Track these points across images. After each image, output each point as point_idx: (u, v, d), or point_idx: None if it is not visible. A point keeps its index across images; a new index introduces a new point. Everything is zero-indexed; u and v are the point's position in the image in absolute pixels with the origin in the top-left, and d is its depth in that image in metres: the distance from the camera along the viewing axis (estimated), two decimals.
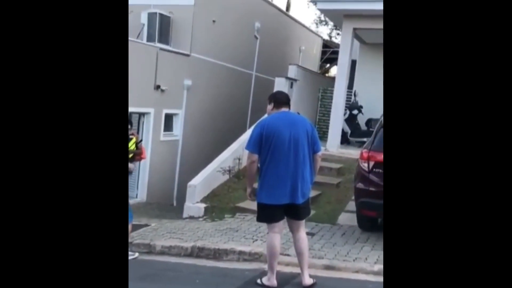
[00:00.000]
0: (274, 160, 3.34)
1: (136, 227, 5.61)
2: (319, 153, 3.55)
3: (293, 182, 3.35)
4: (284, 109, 3.52)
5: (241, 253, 4.41)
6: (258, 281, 3.69)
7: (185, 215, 6.27)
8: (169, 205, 9.11)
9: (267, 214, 3.46)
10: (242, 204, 6.28)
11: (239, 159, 7.43)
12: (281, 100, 3.55)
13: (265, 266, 4.16)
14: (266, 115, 3.78)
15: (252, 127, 3.76)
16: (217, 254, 4.48)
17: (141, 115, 8.81)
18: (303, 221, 3.61)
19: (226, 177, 7.06)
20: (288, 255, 4.34)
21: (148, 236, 5.10)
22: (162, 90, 8.91)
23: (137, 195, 8.87)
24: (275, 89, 9.36)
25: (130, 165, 5.35)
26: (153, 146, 8.96)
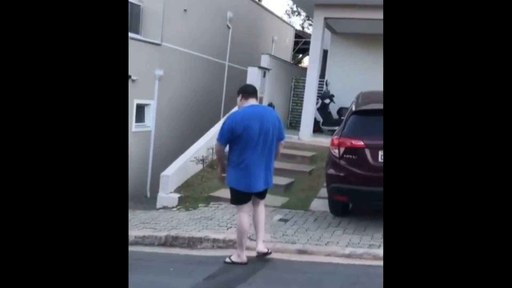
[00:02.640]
0: (245, 151, 3.68)
1: None
2: (282, 141, 3.98)
3: (261, 172, 3.76)
4: (252, 100, 3.89)
5: (215, 240, 4.44)
6: (227, 259, 3.94)
7: (158, 205, 6.23)
8: (142, 196, 9.02)
9: (239, 198, 3.87)
10: (216, 193, 6.30)
11: (212, 149, 7.41)
12: (249, 91, 3.92)
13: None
14: (236, 107, 4.08)
15: (224, 119, 4.05)
16: (191, 243, 4.50)
17: None
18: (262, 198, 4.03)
19: (200, 166, 7.04)
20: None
21: None
22: (133, 80, 8.74)
23: None
24: (248, 78, 9.36)
25: None
26: None
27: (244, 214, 3.85)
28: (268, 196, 6.18)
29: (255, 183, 3.73)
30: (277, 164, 7.49)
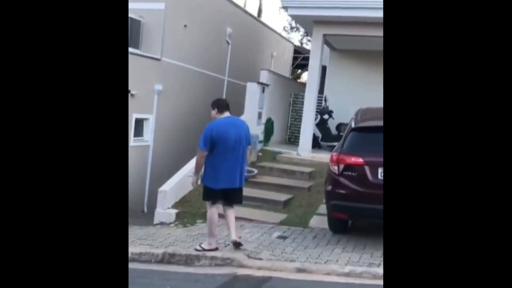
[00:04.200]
0: (222, 155, 4.33)
1: None
2: (250, 146, 4.71)
3: (236, 172, 4.42)
4: (226, 113, 4.54)
5: (213, 258, 4.38)
6: (197, 247, 4.50)
7: (156, 221, 6.16)
8: (139, 211, 8.94)
9: (212, 195, 4.47)
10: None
11: None
12: (223, 105, 4.57)
13: (237, 270, 4.16)
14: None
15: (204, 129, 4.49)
16: (189, 260, 4.43)
17: None
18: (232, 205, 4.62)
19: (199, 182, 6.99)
20: (260, 259, 4.34)
21: None
22: (132, 95, 8.75)
23: None
24: (247, 94, 9.38)
25: None
26: None
27: (214, 208, 4.48)
28: (267, 212, 6.17)
29: (230, 182, 4.40)
30: (276, 180, 7.51)
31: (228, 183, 4.40)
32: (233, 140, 4.35)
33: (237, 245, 4.47)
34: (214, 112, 4.55)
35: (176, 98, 10.13)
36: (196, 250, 4.46)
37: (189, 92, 10.52)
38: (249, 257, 4.37)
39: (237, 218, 5.88)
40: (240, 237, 4.58)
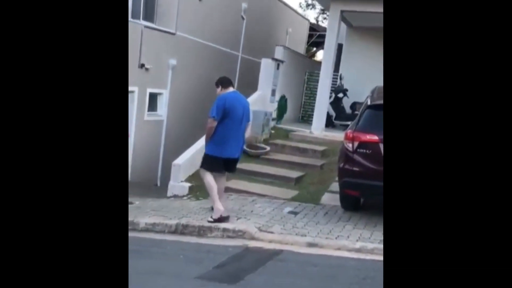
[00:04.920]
0: (230, 126, 4.61)
1: None
2: (250, 122, 4.98)
3: (238, 144, 4.76)
4: (230, 88, 4.81)
5: (225, 230, 4.45)
6: (209, 219, 4.64)
7: (169, 194, 6.25)
8: (153, 185, 9.07)
9: (213, 163, 4.71)
10: (227, 184, 6.29)
11: None
12: (226, 81, 4.85)
13: (248, 242, 4.23)
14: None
15: (216, 99, 4.71)
16: (201, 231, 4.51)
17: None
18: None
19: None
20: (271, 232, 4.40)
21: (132, 214, 5.08)
22: (147, 69, 8.75)
23: None
24: (262, 70, 9.31)
25: None
26: (137, 126, 8.84)
27: (209, 175, 4.73)
28: (278, 188, 6.21)
29: (232, 152, 4.71)
30: (288, 157, 7.53)
31: (233, 153, 4.73)
32: (240, 114, 4.68)
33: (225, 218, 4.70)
34: (219, 90, 4.81)
35: (190, 73, 10.10)
36: (209, 221, 4.62)
37: (203, 68, 10.47)
38: (260, 230, 4.43)
39: (248, 193, 5.97)
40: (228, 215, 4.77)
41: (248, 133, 4.95)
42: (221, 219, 4.55)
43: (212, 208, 4.85)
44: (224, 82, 4.84)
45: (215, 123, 4.57)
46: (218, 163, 4.70)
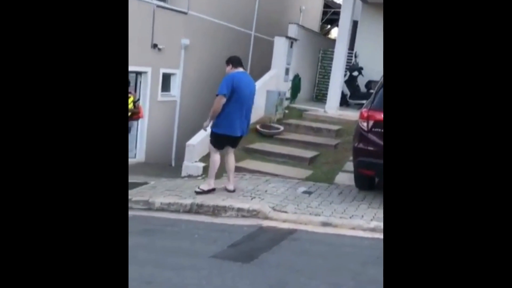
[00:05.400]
0: (236, 105, 4.72)
1: (135, 185, 5.65)
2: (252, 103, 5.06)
3: (245, 121, 4.88)
4: (240, 68, 4.89)
5: (239, 210, 4.47)
6: (197, 189, 4.95)
7: (183, 174, 6.30)
8: (167, 165, 9.16)
9: (221, 141, 4.91)
10: (240, 164, 6.30)
11: None
12: (236, 61, 4.92)
13: (262, 222, 4.25)
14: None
15: (224, 78, 4.82)
16: (216, 211, 4.54)
17: (138, 74, 8.66)
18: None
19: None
20: (285, 212, 4.41)
21: (147, 194, 5.15)
22: (159, 49, 8.72)
23: (135, 155, 8.88)
24: (275, 49, 9.18)
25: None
26: (151, 106, 8.87)
27: (217, 154, 4.97)
28: (292, 168, 6.20)
29: (238, 130, 4.82)
30: (302, 137, 7.48)
31: (240, 131, 4.87)
32: (247, 93, 4.82)
33: (230, 191, 4.98)
34: (228, 68, 4.90)
35: (203, 53, 10.02)
36: (196, 192, 4.93)
37: (215, 47, 10.37)
38: (274, 210, 4.44)
39: (262, 173, 5.97)
40: (235, 189, 5.05)
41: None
42: (207, 192, 4.92)
43: (225, 188, 5.00)
44: (235, 61, 4.91)
45: (224, 100, 4.65)
46: (224, 140, 4.89)
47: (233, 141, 4.98)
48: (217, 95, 4.71)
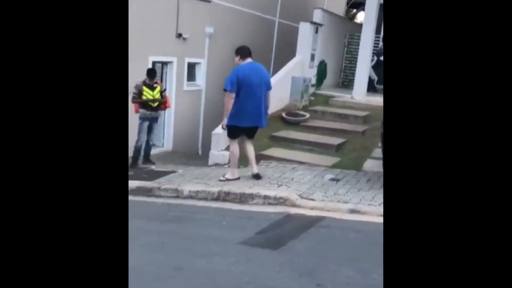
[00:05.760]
0: (246, 97, 4.77)
1: (163, 174, 5.75)
2: (270, 91, 5.06)
3: (256, 112, 4.89)
4: (249, 59, 4.90)
5: (266, 197, 4.48)
6: (222, 178, 5.08)
7: (210, 162, 6.35)
8: (194, 154, 9.27)
9: (236, 132, 5.02)
10: (266, 152, 6.31)
11: None
12: (245, 52, 4.92)
13: (290, 209, 4.24)
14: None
15: (230, 73, 4.87)
16: (243, 198, 4.56)
17: (164, 64, 8.75)
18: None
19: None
20: (313, 199, 4.38)
21: (175, 182, 5.23)
22: (184, 39, 8.77)
23: (163, 144, 9.03)
24: (300, 35, 9.05)
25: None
26: (177, 96, 8.97)
27: (235, 143, 5.08)
28: (319, 155, 6.15)
29: (251, 121, 4.90)
30: (328, 124, 7.39)
31: (252, 122, 4.91)
32: (256, 84, 4.79)
33: (257, 177, 5.05)
34: (237, 59, 4.92)
35: (227, 40, 10.01)
36: (220, 180, 5.03)
37: (240, 35, 10.33)
38: (301, 197, 4.43)
39: (288, 161, 5.95)
40: (259, 174, 5.16)
41: (268, 102, 5.08)
42: (230, 180, 5.01)
43: (252, 175, 5.09)
44: (243, 52, 4.90)
45: (232, 95, 4.74)
46: (238, 131, 4.98)
47: (246, 131, 5.02)
48: (224, 90, 4.81)
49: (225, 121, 4.94)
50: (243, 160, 6.15)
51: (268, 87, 5.00)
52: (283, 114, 7.78)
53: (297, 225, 3.84)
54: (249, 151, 5.16)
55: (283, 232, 3.69)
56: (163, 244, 3.44)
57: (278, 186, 4.78)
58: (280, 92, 8.12)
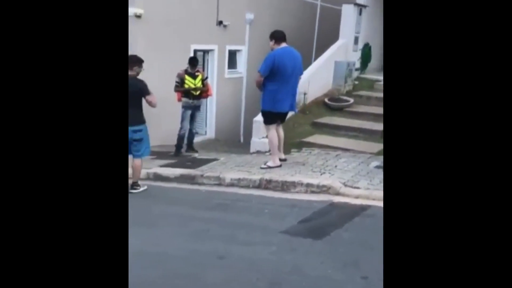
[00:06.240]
0: (280, 82, 4.82)
1: (206, 161, 5.80)
2: (301, 76, 5.22)
3: (289, 98, 4.98)
4: (283, 44, 4.90)
5: (308, 185, 4.40)
6: (263, 165, 5.08)
7: (252, 150, 6.34)
8: (236, 141, 9.31)
9: (272, 118, 5.07)
10: (308, 139, 6.20)
11: (304, 94, 7.22)
12: (280, 36, 4.91)
13: (333, 198, 4.14)
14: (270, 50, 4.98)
15: (265, 57, 4.90)
16: (285, 186, 4.51)
17: (205, 52, 8.79)
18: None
19: (291, 112, 6.93)
20: (357, 187, 4.25)
21: (218, 169, 5.26)
22: (225, 26, 8.73)
23: (206, 132, 9.13)
24: (343, 18, 8.75)
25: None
26: (218, 83, 9.00)
27: (273, 130, 5.10)
28: (364, 142, 5.97)
29: (285, 106, 4.97)
30: (373, 109, 7.13)
31: (285, 107, 4.99)
32: (291, 69, 4.83)
33: (284, 160, 5.22)
34: (272, 43, 4.92)
35: (268, 26, 9.79)
36: (262, 168, 5.04)
37: (281, 20, 10.15)
38: (345, 185, 4.31)
39: (331, 148, 5.81)
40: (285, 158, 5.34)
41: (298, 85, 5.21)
42: (272, 168, 5.01)
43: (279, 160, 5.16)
44: (278, 37, 4.91)
45: (261, 79, 4.84)
46: (275, 117, 5.06)
47: (281, 117, 5.13)
48: (258, 71, 4.89)
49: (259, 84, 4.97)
50: (284, 147, 6.09)
51: (301, 71, 5.08)
52: (326, 100, 7.59)
53: (341, 214, 3.74)
54: (281, 136, 5.22)
55: (326, 221, 3.61)
56: (207, 232, 3.47)
57: (321, 174, 4.68)
58: (323, 77, 7.92)
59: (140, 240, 3.41)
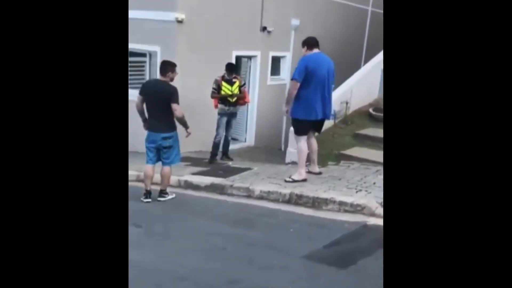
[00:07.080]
0: (314, 88, 4.60)
1: (238, 170, 5.62)
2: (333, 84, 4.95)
3: (324, 103, 4.70)
4: (316, 49, 4.73)
5: (341, 203, 4.06)
6: (288, 178, 4.82)
7: (287, 160, 6.07)
8: (277, 149, 9.07)
9: (304, 127, 4.79)
10: (347, 151, 5.83)
11: (346, 103, 6.85)
12: (312, 42, 4.75)
13: (368, 219, 3.79)
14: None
15: (298, 62, 4.71)
16: (316, 203, 4.21)
17: (248, 58, 8.66)
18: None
19: (331, 122, 6.59)
20: None
21: (249, 180, 5.06)
22: (269, 32, 8.56)
23: (245, 139, 8.98)
24: None
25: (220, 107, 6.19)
26: (260, 90, 8.83)
27: (304, 140, 4.83)
28: None
29: (318, 114, 4.68)
30: None
31: (321, 114, 4.72)
32: (323, 75, 4.62)
33: (318, 174, 5.01)
34: (304, 50, 4.76)
35: (314, 33, 9.49)
36: (286, 181, 4.79)
37: (328, 26, 9.81)
38: (382, 205, 3.93)
39: (372, 162, 5.41)
40: (321, 172, 5.10)
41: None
42: (297, 182, 4.73)
43: (310, 171, 4.98)
44: (310, 43, 4.75)
45: (297, 85, 4.57)
46: (307, 125, 4.78)
47: (315, 125, 4.87)
48: (291, 79, 4.68)
49: (285, 107, 4.80)
50: (321, 159, 5.76)
51: (333, 79, 4.87)
52: (371, 110, 7.16)
53: (374, 239, 3.38)
54: (314, 147, 4.99)
55: (356, 246, 3.27)
56: (223, 251, 3.26)
57: (357, 192, 4.32)
58: (368, 85, 7.50)
59: (153, 252, 3.27)
